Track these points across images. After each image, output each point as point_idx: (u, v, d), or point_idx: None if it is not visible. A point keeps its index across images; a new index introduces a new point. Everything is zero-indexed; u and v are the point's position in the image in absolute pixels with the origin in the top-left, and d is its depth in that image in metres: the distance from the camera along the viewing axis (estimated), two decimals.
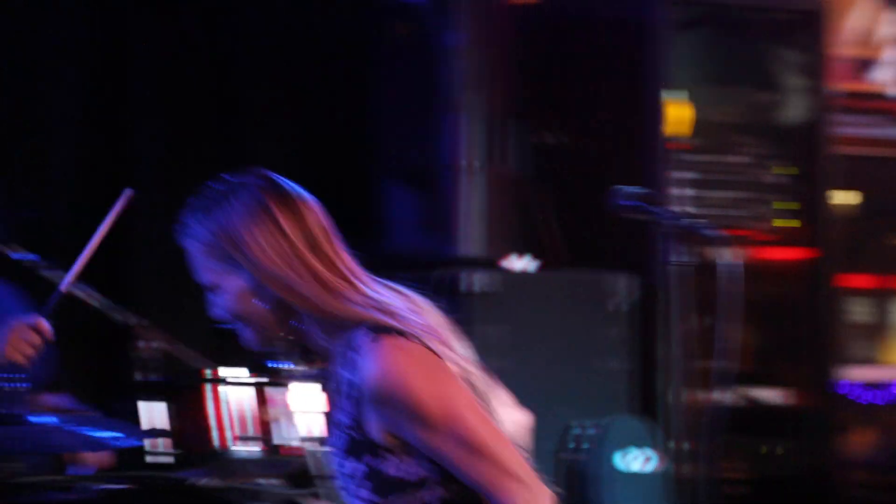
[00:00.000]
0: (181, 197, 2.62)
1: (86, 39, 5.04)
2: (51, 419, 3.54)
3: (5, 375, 3.40)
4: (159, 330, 4.06)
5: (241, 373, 3.94)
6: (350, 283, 2.44)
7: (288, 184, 2.54)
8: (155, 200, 4.94)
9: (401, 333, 2.37)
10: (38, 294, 4.32)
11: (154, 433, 3.88)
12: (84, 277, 4.21)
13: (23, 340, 3.77)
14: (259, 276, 2.45)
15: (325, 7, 5.42)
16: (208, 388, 3.90)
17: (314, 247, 2.45)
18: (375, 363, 2.34)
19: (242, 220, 2.47)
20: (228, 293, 2.49)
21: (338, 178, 5.37)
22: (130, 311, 4.15)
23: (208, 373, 3.94)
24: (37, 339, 3.79)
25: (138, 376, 3.97)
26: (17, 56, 4.91)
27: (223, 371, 3.94)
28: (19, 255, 4.17)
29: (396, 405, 2.32)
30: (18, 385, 3.39)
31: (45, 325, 3.83)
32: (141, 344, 4.01)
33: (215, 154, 5.19)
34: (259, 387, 3.94)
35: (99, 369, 4.91)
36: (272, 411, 3.95)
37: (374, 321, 2.40)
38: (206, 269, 2.51)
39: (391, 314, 2.41)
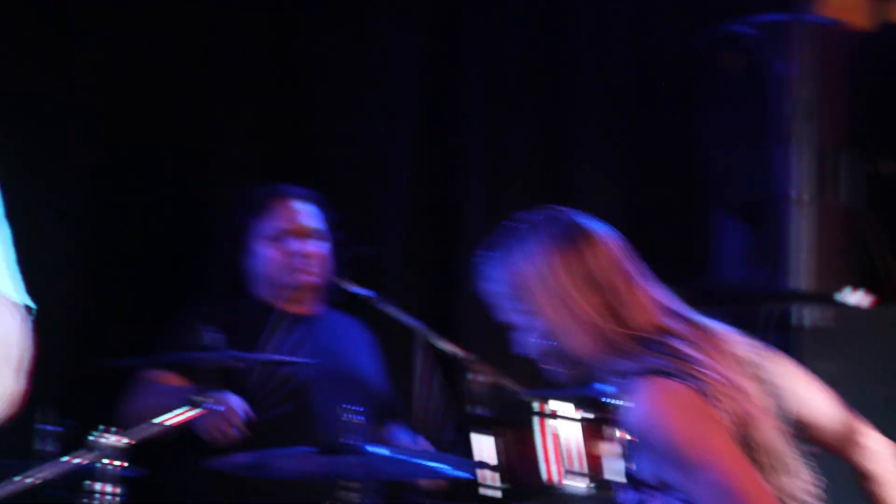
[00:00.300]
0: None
1: (419, 78, 5.16)
2: (386, 449, 3.64)
3: (347, 407, 3.51)
4: (488, 364, 4.11)
5: (571, 407, 3.94)
6: (629, 325, 2.45)
7: (577, 222, 2.55)
8: (482, 235, 5.01)
9: (670, 375, 2.37)
10: (371, 328, 4.47)
11: (484, 465, 3.93)
12: (416, 314, 4.32)
13: (223, 424, 3.87)
14: (541, 319, 2.48)
15: (653, 38, 5.41)
16: (538, 421, 3.92)
17: (593, 289, 2.47)
18: (639, 405, 2.37)
19: (525, 263, 2.51)
20: (525, 332, 2.53)
21: (665, 209, 5.34)
22: (460, 345, 4.22)
23: (538, 406, 3.96)
24: (237, 422, 3.88)
25: (469, 409, 4.03)
26: (354, 95, 5.07)
27: (553, 405, 3.95)
28: (356, 289, 4.31)
29: (655, 447, 2.35)
30: (357, 417, 3.49)
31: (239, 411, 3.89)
32: (471, 377, 4.07)
33: (542, 190, 5.23)
34: (589, 421, 3.93)
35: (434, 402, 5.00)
36: (603, 446, 3.93)
37: (646, 362, 2.40)
38: (503, 309, 2.56)
39: (669, 355, 2.41)
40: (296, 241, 4.26)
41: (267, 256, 4.27)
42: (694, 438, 2.33)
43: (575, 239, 2.53)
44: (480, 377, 4.07)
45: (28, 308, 2.10)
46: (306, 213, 4.31)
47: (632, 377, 2.42)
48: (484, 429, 3.95)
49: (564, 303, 2.49)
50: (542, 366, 2.58)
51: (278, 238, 4.26)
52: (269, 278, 4.28)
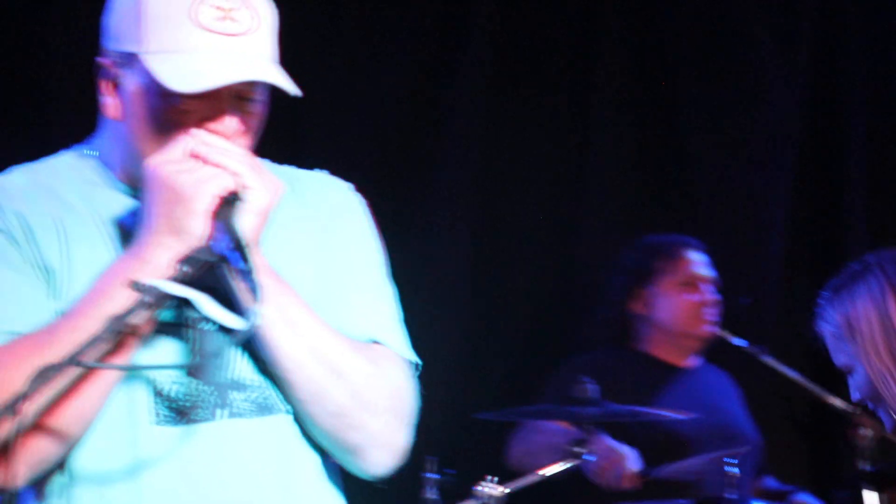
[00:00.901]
0: None
1: (799, 127, 5.07)
2: None
3: (727, 461, 3.47)
4: (873, 418, 3.98)
5: None
6: None
7: None
8: None
9: None
10: (751, 380, 4.39)
11: None
12: (796, 365, 4.23)
13: (610, 473, 3.82)
14: (869, 362, 2.41)
15: None
16: None
17: None
18: None
19: (864, 305, 2.43)
20: (860, 376, 2.46)
21: None
22: (845, 398, 4.11)
23: None
24: (625, 473, 3.81)
25: (858, 465, 3.91)
26: (733, 143, 5.02)
27: None
28: (735, 340, 4.25)
29: None
30: (736, 471, 3.44)
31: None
32: (858, 432, 3.96)
33: None
34: None
35: (817, 457, 4.89)
36: None
37: None
38: (838, 352, 2.50)
39: None
40: (703, 290, 4.25)
41: (676, 305, 4.24)
42: None
43: None
44: (866, 431, 3.95)
45: (415, 364, 2.19)
46: (704, 263, 4.30)
47: None
48: (872, 485, 3.81)
49: (879, 354, 2.42)
50: (876, 412, 2.52)
51: (690, 285, 4.25)
52: (671, 327, 4.24)
